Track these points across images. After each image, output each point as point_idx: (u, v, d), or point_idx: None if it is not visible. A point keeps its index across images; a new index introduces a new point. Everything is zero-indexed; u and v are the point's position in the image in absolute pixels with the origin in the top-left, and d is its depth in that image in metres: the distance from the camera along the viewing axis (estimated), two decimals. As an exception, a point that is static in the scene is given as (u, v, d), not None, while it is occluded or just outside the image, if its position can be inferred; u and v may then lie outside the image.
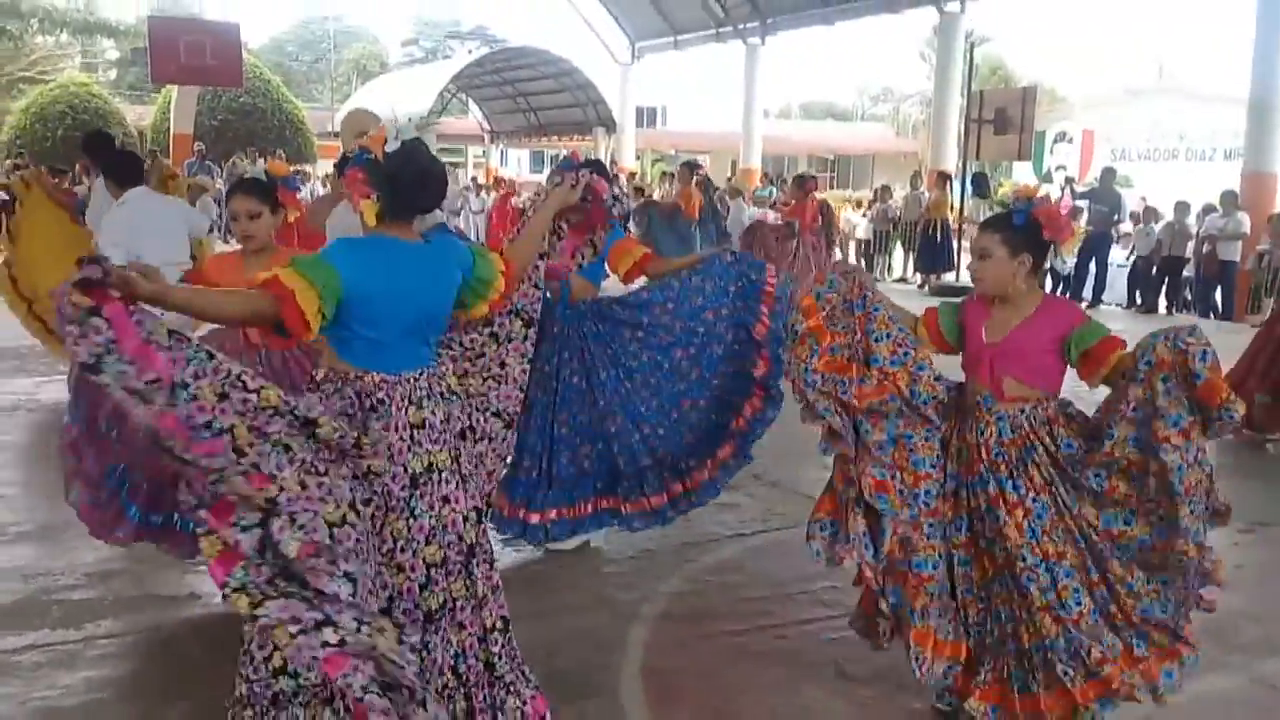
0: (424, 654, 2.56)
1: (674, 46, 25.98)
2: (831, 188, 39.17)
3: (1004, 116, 14.66)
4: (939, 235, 15.79)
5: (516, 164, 49.78)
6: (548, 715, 2.78)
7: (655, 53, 27.08)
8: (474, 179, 25.14)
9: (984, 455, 2.91)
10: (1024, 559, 2.83)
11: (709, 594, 4.21)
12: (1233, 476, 6.14)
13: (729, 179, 20.54)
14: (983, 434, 2.92)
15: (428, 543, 2.57)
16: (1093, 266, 13.70)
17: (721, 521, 5.01)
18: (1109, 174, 14.43)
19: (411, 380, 2.58)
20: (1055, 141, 28.19)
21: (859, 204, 20.40)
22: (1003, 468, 2.88)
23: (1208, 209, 13.06)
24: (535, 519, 4.17)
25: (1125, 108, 28.89)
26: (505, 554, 4.42)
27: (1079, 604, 2.80)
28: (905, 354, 2.98)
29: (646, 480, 4.20)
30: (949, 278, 15.66)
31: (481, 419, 2.86)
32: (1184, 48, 67.91)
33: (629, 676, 3.47)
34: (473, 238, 16.93)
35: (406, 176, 2.53)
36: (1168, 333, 2.67)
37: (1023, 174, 27.66)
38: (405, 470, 2.53)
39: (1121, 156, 26.58)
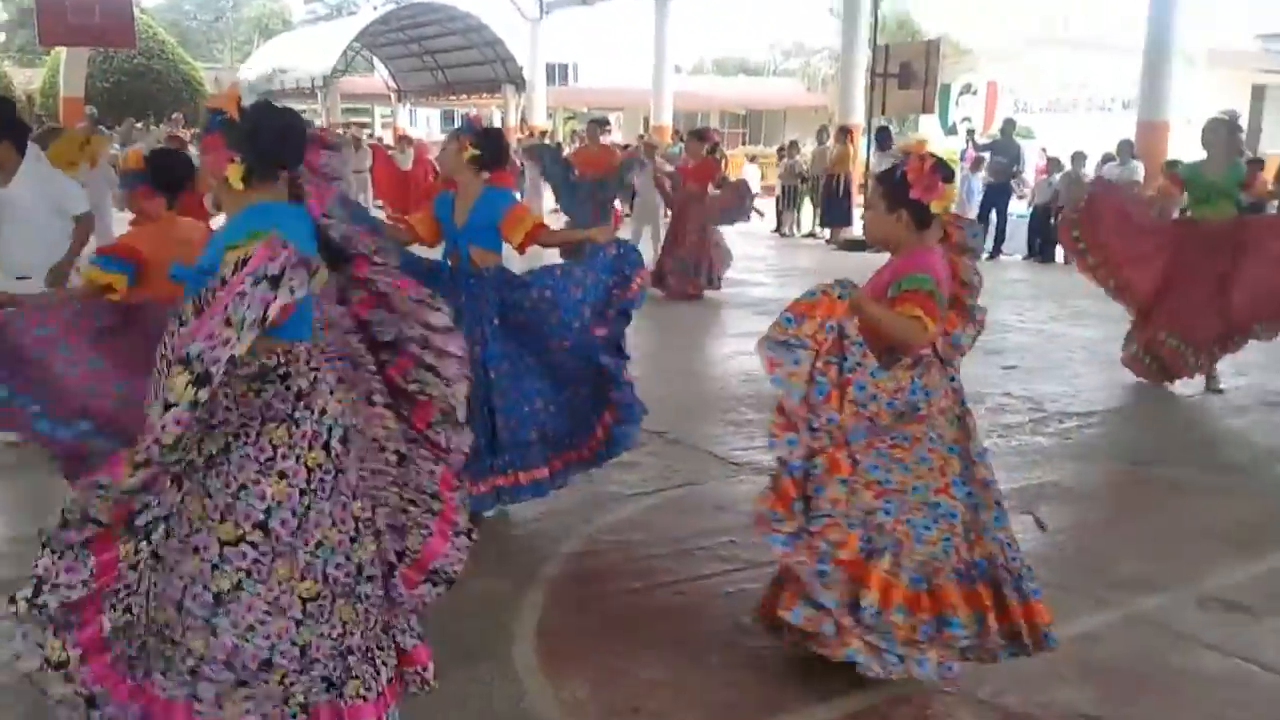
0: (361, 605, 2.54)
1: (583, 1, 25.69)
2: (744, 143, 39.33)
3: (908, 70, 14.81)
4: (841, 190, 15.94)
5: (425, 123, 48.95)
6: (429, 666, 2.74)
7: (564, 8, 26.76)
8: (379, 138, 24.54)
9: None
10: None
11: (609, 553, 4.22)
12: (1118, 421, 6.36)
13: (641, 136, 20.47)
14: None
15: (355, 498, 2.54)
16: (994, 217, 13.96)
17: (623, 481, 5.02)
18: (1009, 125, 14.69)
19: (324, 343, 2.55)
20: (960, 94, 28.62)
21: (752, 158, 20.52)
22: None
23: (1106, 158, 13.39)
24: (482, 489, 4.17)
25: (1028, 59, 29.31)
26: (403, 521, 4.37)
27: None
28: None
29: (530, 454, 4.25)
30: (857, 232, 15.85)
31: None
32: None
33: (524, 638, 3.46)
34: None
35: (266, 130, 2.43)
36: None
37: (930, 127, 28.05)
38: (342, 429, 2.50)
39: (1024, 108, 27.02)
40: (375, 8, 34.68)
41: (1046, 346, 8.36)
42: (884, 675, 2.94)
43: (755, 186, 19.30)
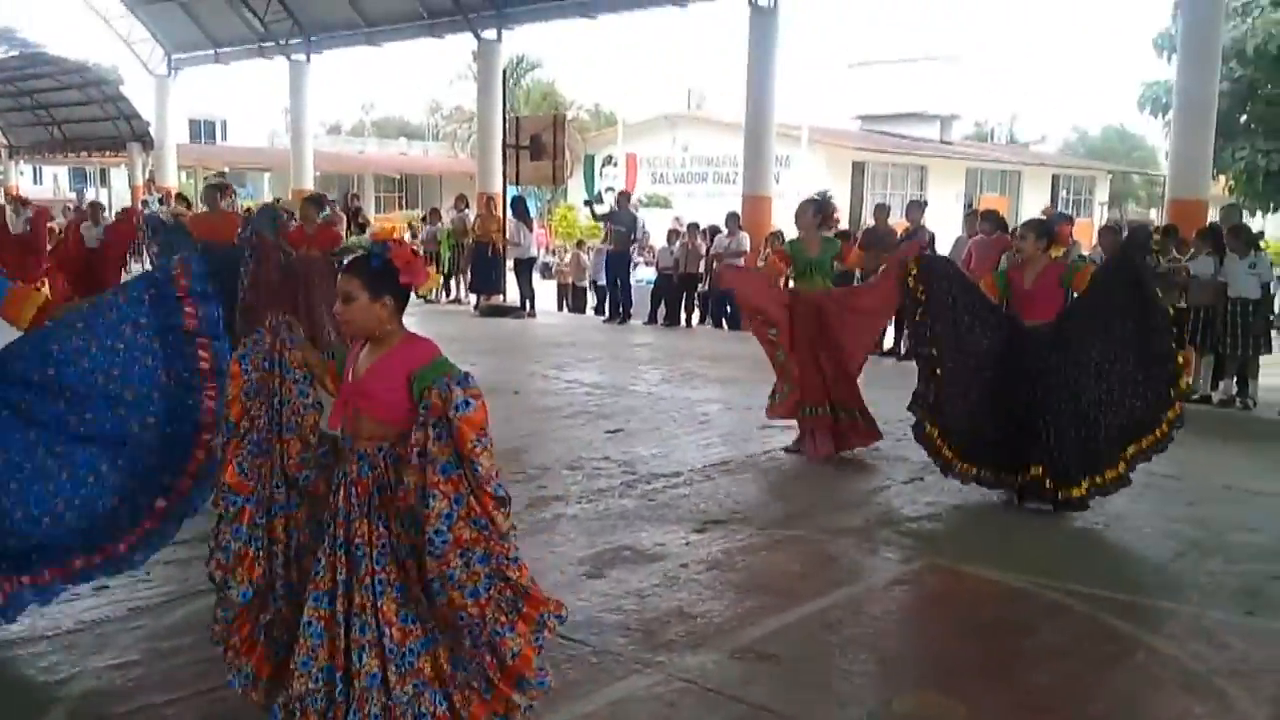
0: None
1: (215, 60, 24.60)
2: (402, 207, 39.09)
3: (539, 142, 15.32)
4: (490, 257, 16.18)
5: (53, 180, 44.88)
6: None
7: (195, 65, 25.47)
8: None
9: (345, 495, 2.93)
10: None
11: (153, 663, 3.90)
12: (702, 480, 6.73)
13: (276, 200, 19.77)
14: (345, 474, 2.95)
15: None
16: (619, 284, 14.66)
17: (186, 578, 4.68)
18: (624, 198, 15.58)
19: None
20: (604, 165, 30.05)
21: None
22: (357, 509, 2.91)
23: (713, 230, 14.44)
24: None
25: (664, 133, 31.34)
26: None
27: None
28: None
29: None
30: (500, 299, 16.19)
31: None
32: (712, 78, 75.80)
33: (21, 775, 3.13)
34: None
35: None
36: (444, 379, 2.76)
37: (576, 195, 29.24)
38: None
39: (660, 179, 28.87)
40: (-20, 56, 31.46)
41: (652, 409, 8.80)
42: None
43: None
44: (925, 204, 12.02)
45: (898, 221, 13.20)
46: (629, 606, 4.51)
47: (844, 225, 17.58)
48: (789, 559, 5.20)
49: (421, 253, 15.91)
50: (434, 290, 17.24)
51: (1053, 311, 6.10)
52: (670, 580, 4.86)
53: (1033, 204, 32.20)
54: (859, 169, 31.16)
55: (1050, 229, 6.31)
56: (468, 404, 2.68)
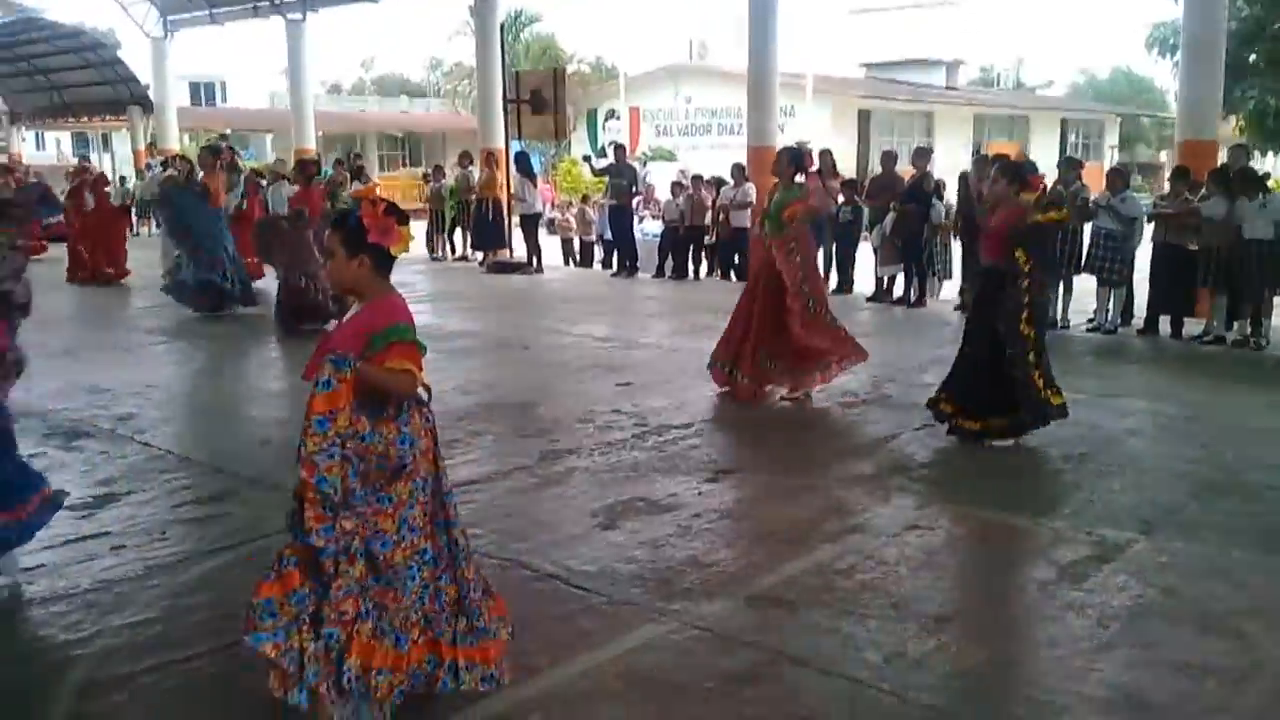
0: None
1: (211, 20, 24.33)
2: (405, 165, 38.90)
3: (539, 97, 15.17)
4: (491, 214, 16.11)
5: (56, 146, 44.79)
6: None
7: (191, 26, 25.20)
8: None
9: None
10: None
11: (170, 620, 3.92)
12: (714, 431, 6.74)
13: (273, 160, 19.64)
14: None
15: None
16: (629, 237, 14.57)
17: (202, 536, 4.73)
18: (620, 150, 15.42)
19: None
20: (606, 119, 29.77)
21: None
22: None
23: (719, 181, 14.31)
24: None
25: (666, 86, 31.00)
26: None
27: None
28: None
29: None
30: (507, 255, 16.14)
31: None
32: (714, 28, 74.85)
33: (47, 731, 3.15)
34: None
35: None
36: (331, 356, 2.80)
37: (580, 150, 29.00)
38: None
39: (664, 132, 28.60)
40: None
41: (663, 361, 8.77)
42: None
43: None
44: (931, 151, 11.90)
45: (904, 169, 13.07)
46: (643, 556, 4.51)
47: (851, 174, 17.43)
48: (802, 506, 5.19)
49: (412, 212, 15.88)
50: (439, 249, 17.21)
51: (997, 255, 6.01)
52: (684, 530, 4.86)
53: (1042, 149, 31.93)
54: (865, 117, 30.85)
55: (1022, 173, 6.22)
56: (329, 384, 2.71)
